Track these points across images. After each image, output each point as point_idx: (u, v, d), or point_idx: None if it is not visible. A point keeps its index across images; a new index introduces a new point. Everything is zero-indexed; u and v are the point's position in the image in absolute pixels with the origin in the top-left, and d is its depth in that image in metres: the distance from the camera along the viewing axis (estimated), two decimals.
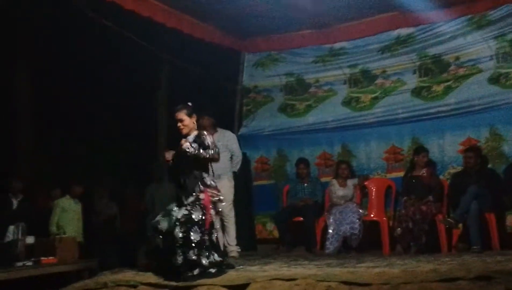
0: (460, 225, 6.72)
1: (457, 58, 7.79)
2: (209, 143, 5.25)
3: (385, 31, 8.22)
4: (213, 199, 5.24)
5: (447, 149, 7.63)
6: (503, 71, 7.44)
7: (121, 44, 8.20)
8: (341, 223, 7.22)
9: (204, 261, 4.97)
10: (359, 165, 8.14)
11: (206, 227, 5.10)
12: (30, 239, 6.54)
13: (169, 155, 5.36)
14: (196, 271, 4.93)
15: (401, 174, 7.63)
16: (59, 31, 9.51)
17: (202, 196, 5.15)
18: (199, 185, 5.17)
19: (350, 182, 7.73)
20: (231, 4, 7.48)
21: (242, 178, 7.77)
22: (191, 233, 4.96)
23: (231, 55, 9.03)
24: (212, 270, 5.01)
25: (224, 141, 7.10)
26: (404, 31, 8.14)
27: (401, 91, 8.10)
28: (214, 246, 5.19)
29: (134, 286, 4.95)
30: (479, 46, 7.65)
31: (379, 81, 8.32)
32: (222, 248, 6.03)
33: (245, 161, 8.00)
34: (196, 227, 5.02)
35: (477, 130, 7.47)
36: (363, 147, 8.19)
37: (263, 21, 8.14)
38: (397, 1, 7.38)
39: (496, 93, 7.41)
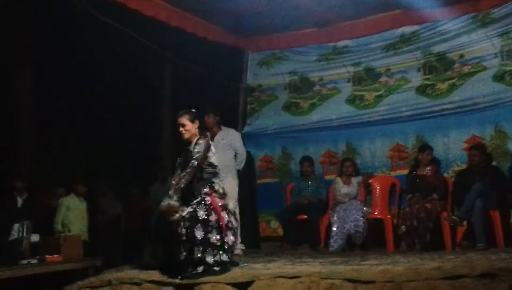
0: (465, 222, 6.71)
1: (462, 56, 7.77)
2: (194, 153, 5.16)
3: (389, 29, 8.20)
4: (220, 204, 5.24)
5: (451, 146, 7.62)
6: (508, 68, 7.41)
7: (124, 43, 8.20)
8: (345, 221, 7.22)
9: (209, 259, 4.96)
10: (364, 163, 8.14)
11: (222, 229, 5.08)
12: (35, 237, 6.56)
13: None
14: (200, 269, 4.93)
15: (406, 172, 7.62)
16: (61, 30, 9.52)
17: (208, 198, 5.15)
18: (206, 188, 5.18)
19: (354, 180, 7.73)
20: (234, 3, 7.47)
21: (246, 176, 7.79)
22: (195, 230, 4.96)
23: (235, 54, 9.03)
24: (216, 268, 5.00)
25: (228, 140, 7.12)
26: (408, 29, 8.12)
27: (406, 89, 8.09)
28: (223, 247, 5.13)
29: (138, 284, 4.96)
30: (483, 43, 7.62)
31: (383, 79, 8.30)
32: None
33: (249, 159, 8.01)
34: (200, 225, 5.01)
35: (481, 127, 7.46)
36: (368, 145, 8.18)
37: (267, 19, 8.14)
38: None
39: (501, 90, 7.38)
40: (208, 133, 5.39)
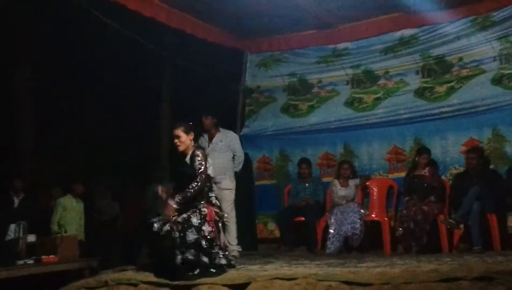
0: (462, 225, 6.71)
1: (460, 59, 7.77)
2: (198, 167, 5.25)
3: (388, 32, 8.21)
4: (216, 217, 5.28)
5: (449, 149, 7.63)
6: (506, 72, 7.42)
7: (124, 44, 8.22)
8: (342, 223, 7.22)
9: (204, 260, 4.97)
10: (361, 165, 8.15)
11: (216, 243, 5.16)
12: (31, 238, 6.55)
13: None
14: (196, 271, 4.93)
15: (403, 174, 7.62)
16: (61, 30, 9.53)
17: (204, 209, 5.18)
18: (203, 201, 5.22)
19: (352, 182, 7.73)
20: (234, 4, 7.47)
21: (244, 178, 7.77)
22: (187, 233, 4.97)
23: (234, 55, 9.04)
24: (213, 270, 5.01)
25: (226, 141, 7.12)
26: (407, 32, 8.13)
27: (404, 92, 8.09)
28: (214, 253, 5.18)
29: (135, 285, 4.96)
30: (482, 47, 7.63)
31: (381, 81, 8.31)
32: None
33: (247, 161, 8.01)
34: (193, 229, 5.02)
35: (479, 131, 7.47)
36: (365, 147, 8.19)
37: (266, 21, 8.15)
38: (400, 2, 7.38)
39: (499, 94, 7.39)
40: (199, 153, 5.35)
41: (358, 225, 7.19)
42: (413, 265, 5.11)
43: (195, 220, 5.08)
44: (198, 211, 5.15)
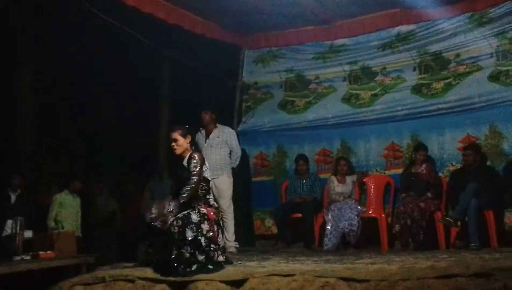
0: (459, 223, 6.71)
1: (458, 55, 7.78)
2: (192, 169, 5.24)
3: (386, 28, 8.22)
4: (215, 217, 5.29)
5: (446, 146, 7.63)
6: (503, 68, 7.43)
7: (122, 41, 8.20)
8: (339, 219, 7.23)
9: (201, 258, 4.97)
10: (358, 162, 8.15)
11: (215, 241, 5.14)
12: (28, 233, 6.54)
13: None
14: (194, 267, 4.92)
15: (400, 171, 7.63)
16: (60, 28, 9.51)
17: (203, 209, 5.19)
18: (201, 203, 5.22)
19: (349, 179, 7.74)
20: (231, 1, 7.47)
21: (241, 174, 7.79)
22: (186, 230, 4.97)
23: (232, 51, 9.04)
24: (210, 266, 5.00)
25: (223, 137, 7.13)
26: (404, 28, 8.14)
27: (401, 88, 8.10)
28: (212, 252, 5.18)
29: (132, 281, 4.93)
30: (479, 43, 7.64)
31: (379, 78, 8.31)
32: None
33: (244, 157, 8.00)
34: (192, 225, 5.02)
35: (476, 127, 7.47)
36: (363, 144, 8.19)
37: (263, 17, 8.14)
38: None
39: (496, 90, 7.40)
40: (196, 156, 5.35)
41: (355, 222, 7.20)
42: (410, 261, 5.12)
43: (194, 217, 5.07)
44: (197, 209, 5.15)
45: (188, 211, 5.10)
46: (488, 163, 7.26)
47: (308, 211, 7.64)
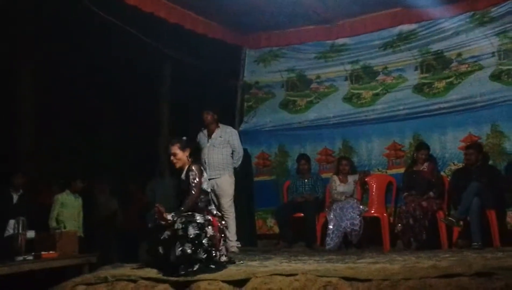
0: (461, 222, 6.71)
1: (459, 54, 7.78)
2: (191, 181, 5.27)
3: (387, 27, 8.23)
4: (219, 225, 5.33)
5: (448, 145, 7.62)
6: (505, 68, 7.42)
7: (123, 40, 8.20)
8: (341, 219, 7.23)
9: (201, 256, 4.97)
10: (360, 161, 8.15)
11: (217, 246, 5.17)
12: (30, 234, 6.53)
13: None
14: (196, 267, 4.93)
15: (402, 170, 7.63)
16: (61, 27, 9.50)
17: (208, 216, 5.22)
18: (202, 213, 5.24)
19: (351, 178, 7.74)
20: (232, 0, 7.47)
21: (243, 173, 7.79)
22: (189, 227, 4.97)
23: (233, 51, 9.04)
24: (212, 266, 5.01)
25: (225, 137, 7.13)
26: (406, 28, 8.14)
27: (403, 88, 8.10)
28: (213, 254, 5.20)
29: (134, 281, 4.94)
30: (481, 43, 7.64)
31: (380, 77, 8.31)
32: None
33: (246, 156, 8.00)
34: (195, 224, 5.02)
35: (478, 127, 7.46)
36: (364, 143, 8.18)
37: (265, 16, 8.15)
38: None
39: (498, 90, 7.39)
40: (194, 169, 5.36)
41: (357, 221, 7.20)
42: (412, 261, 5.12)
43: (198, 218, 5.08)
44: (202, 214, 5.17)
45: (192, 213, 5.11)
46: (490, 162, 7.26)
47: (310, 210, 7.64)
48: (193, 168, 5.34)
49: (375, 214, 7.47)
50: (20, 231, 6.34)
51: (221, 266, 5.06)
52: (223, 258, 5.22)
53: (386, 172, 7.96)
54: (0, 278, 5.53)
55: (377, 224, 7.33)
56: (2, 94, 9.29)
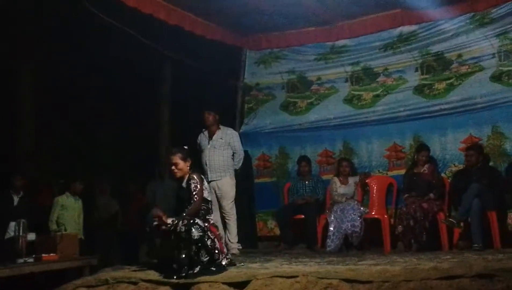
0: (462, 223, 6.71)
1: (460, 56, 7.78)
2: (193, 190, 5.28)
3: (387, 29, 8.22)
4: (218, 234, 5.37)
5: (448, 147, 7.62)
6: (505, 69, 7.42)
7: (123, 41, 8.20)
8: (342, 220, 7.22)
9: (204, 258, 4.97)
10: (361, 163, 8.15)
11: (220, 250, 5.18)
12: (31, 236, 6.54)
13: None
14: (196, 269, 4.93)
15: (403, 172, 7.62)
16: (61, 28, 9.51)
17: (206, 224, 5.23)
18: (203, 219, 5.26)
19: (351, 180, 7.73)
20: (233, 1, 7.48)
21: (243, 175, 7.78)
22: (192, 229, 4.97)
23: (233, 52, 9.03)
24: (213, 268, 5.02)
25: (226, 139, 7.12)
26: (406, 29, 8.13)
27: (403, 89, 8.09)
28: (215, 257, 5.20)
29: (135, 283, 4.95)
30: (481, 44, 7.63)
31: (381, 79, 8.31)
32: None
33: (247, 158, 8.00)
34: (198, 226, 5.03)
35: (479, 128, 7.46)
36: (365, 145, 8.18)
37: (265, 18, 8.15)
38: None
39: (498, 91, 7.39)
40: (195, 177, 5.37)
41: (358, 223, 7.20)
42: (413, 262, 5.12)
43: (200, 222, 5.09)
44: (202, 220, 5.18)
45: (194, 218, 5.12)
46: (491, 163, 7.25)
47: (310, 212, 7.64)
48: (194, 176, 5.35)
49: (375, 216, 7.46)
50: (21, 233, 6.34)
51: (221, 268, 5.06)
52: (224, 262, 5.22)
53: (387, 174, 7.96)
54: (1, 280, 5.54)
55: (378, 226, 7.32)
56: (2, 94, 9.30)
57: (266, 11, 7.92)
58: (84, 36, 9.41)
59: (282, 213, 7.94)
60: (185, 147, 5.54)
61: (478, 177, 6.80)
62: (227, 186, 7.00)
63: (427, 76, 7.98)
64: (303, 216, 7.71)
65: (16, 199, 7.72)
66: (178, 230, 4.99)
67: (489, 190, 6.66)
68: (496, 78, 7.46)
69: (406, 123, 7.93)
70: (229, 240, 6.87)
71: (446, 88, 7.79)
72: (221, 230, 6.50)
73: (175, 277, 4.86)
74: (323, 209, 7.73)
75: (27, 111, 9.48)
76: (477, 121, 7.47)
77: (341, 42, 8.58)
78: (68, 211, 7.89)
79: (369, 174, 7.91)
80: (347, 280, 4.42)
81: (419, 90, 7.97)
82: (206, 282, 4.72)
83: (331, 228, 7.25)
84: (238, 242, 7.04)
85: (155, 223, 5.22)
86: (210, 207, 5.49)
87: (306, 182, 8.01)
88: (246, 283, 4.63)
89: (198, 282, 4.74)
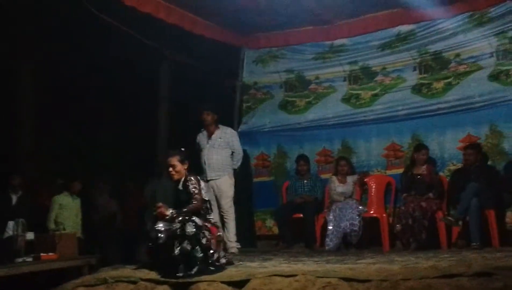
0: (460, 222, 6.72)
1: (458, 55, 7.78)
2: (193, 191, 5.29)
3: (386, 28, 8.22)
4: (218, 234, 5.37)
5: (447, 146, 7.63)
6: (504, 68, 7.43)
7: (122, 41, 8.20)
8: (341, 219, 7.23)
9: (199, 254, 4.97)
10: (359, 162, 8.15)
11: (216, 250, 5.19)
12: (30, 235, 6.52)
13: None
14: (195, 268, 4.93)
15: (401, 171, 7.62)
16: (60, 28, 9.51)
17: (206, 223, 5.24)
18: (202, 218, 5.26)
19: (350, 179, 7.74)
20: (232, 1, 7.47)
21: (242, 174, 7.77)
22: (187, 225, 4.98)
23: (232, 51, 9.03)
24: (212, 267, 5.02)
25: (225, 138, 7.13)
26: (404, 28, 8.14)
27: (401, 88, 8.10)
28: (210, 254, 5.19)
29: (134, 282, 4.94)
30: (479, 43, 7.64)
31: (379, 78, 8.31)
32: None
33: (245, 157, 7.99)
34: (193, 223, 5.03)
35: (477, 127, 7.47)
36: (363, 144, 8.18)
37: (263, 17, 8.15)
38: None
39: (496, 90, 7.41)
40: (192, 178, 5.37)
41: (356, 222, 7.21)
42: (411, 261, 5.13)
43: (197, 220, 5.09)
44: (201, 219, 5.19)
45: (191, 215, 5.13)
46: (489, 162, 7.26)
47: (309, 211, 7.64)
48: (191, 178, 5.37)
49: (374, 215, 7.47)
50: (20, 232, 6.33)
51: (220, 267, 5.06)
52: (223, 261, 5.22)
53: (385, 173, 7.96)
54: (0, 280, 5.53)
55: (377, 225, 7.33)
56: (2, 94, 9.29)
57: (264, 10, 7.92)
58: (84, 36, 9.40)
59: (281, 212, 7.95)
60: (183, 149, 5.55)
61: (477, 176, 6.81)
62: (225, 185, 7.00)
63: (425, 75, 7.99)
64: (301, 215, 7.71)
65: (14, 198, 7.73)
66: (174, 227, 5.00)
67: (488, 189, 6.68)
68: (494, 77, 7.47)
69: (404, 122, 7.94)
70: (228, 239, 6.87)
71: (444, 87, 7.80)
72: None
73: (174, 277, 4.86)
74: (321, 208, 7.74)
75: (27, 111, 9.48)
76: (475, 120, 7.48)
77: (339, 41, 8.59)
78: (67, 210, 7.90)
79: (367, 173, 7.91)
80: (346, 279, 4.42)
81: (417, 89, 7.98)
82: (205, 281, 4.72)
83: (330, 227, 7.26)
84: (236, 241, 7.04)
85: (154, 212, 5.21)
86: (209, 206, 5.51)
87: (305, 181, 8.02)
88: (244, 282, 4.63)
89: (197, 281, 4.74)
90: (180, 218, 5.03)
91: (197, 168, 6.70)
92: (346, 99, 8.43)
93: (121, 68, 9.86)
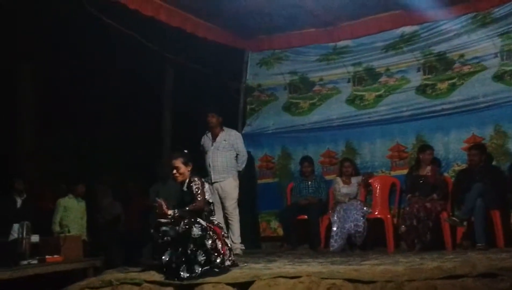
0: (465, 223, 6.70)
1: (462, 55, 7.77)
2: (195, 191, 5.29)
3: (389, 29, 8.21)
4: (223, 236, 5.37)
5: (451, 146, 7.62)
6: (508, 68, 7.42)
7: (124, 43, 8.21)
8: (345, 221, 7.22)
9: (200, 258, 4.97)
10: (363, 163, 8.15)
11: (222, 252, 5.16)
12: (35, 238, 6.53)
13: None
14: (199, 270, 4.93)
15: (405, 172, 7.61)
16: (62, 30, 9.52)
17: (210, 224, 5.24)
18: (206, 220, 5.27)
19: (354, 180, 7.74)
20: (234, 3, 7.48)
21: (246, 176, 7.78)
22: (193, 228, 4.99)
23: (235, 54, 9.03)
24: (216, 269, 5.01)
25: (230, 140, 7.14)
26: (408, 29, 8.13)
27: (405, 89, 8.09)
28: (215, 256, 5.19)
29: (139, 284, 4.96)
30: (483, 43, 7.63)
31: (383, 79, 8.31)
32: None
33: (249, 159, 7.99)
34: (199, 226, 5.03)
35: (481, 127, 7.46)
36: (368, 145, 8.18)
37: (267, 19, 8.16)
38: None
39: (501, 90, 7.40)
40: (196, 179, 5.38)
41: (361, 223, 7.20)
42: (416, 262, 5.13)
43: (203, 222, 5.10)
44: (206, 221, 5.20)
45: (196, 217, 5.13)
46: (494, 163, 7.25)
47: (313, 212, 7.64)
48: (195, 179, 5.38)
49: (378, 216, 7.47)
50: (24, 235, 6.34)
51: (225, 269, 5.06)
52: (227, 263, 5.22)
53: (390, 174, 7.97)
54: (5, 282, 5.54)
55: (381, 226, 7.33)
56: (2, 94, 9.30)
57: (268, 13, 7.93)
58: (85, 36, 9.42)
59: (285, 214, 7.95)
60: (186, 151, 5.55)
61: (481, 176, 6.80)
62: (230, 187, 7.02)
63: (429, 76, 7.98)
64: (306, 216, 7.71)
65: (19, 201, 7.74)
66: (179, 229, 5.00)
67: (492, 189, 6.66)
68: (499, 77, 7.46)
69: (408, 123, 7.94)
70: (232, 241, 6.87)
71: (448, 88, 7.79)
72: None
73: (178, 279, 4.86)
74: (326, 210, 7.74)
75: (27, 111, 9.49)
76: (479, 120, 7.47)
77: (343, 43, 8.58)
78: (71, 213, 7.91)
79: (372, 174, 7.91)
80: (351, 280, 4.42)
81: (421, 90, 7.97)
82: (210, 283, 4.73)
83: (334, 228, 7.26)
84: (241, 243, 7.05)
85: (156, 210, 5.22)
86: (212, 208, 5.52)
87: (309, 183, 8.02)
88: (249, 283, 4.64)
89: (201, 283, 4.74)
90: (187, 221, 5.03)
91: (201, 170, 6.71)
92: (350, 101, 8.43)
93: (124, 71, 9.88)
